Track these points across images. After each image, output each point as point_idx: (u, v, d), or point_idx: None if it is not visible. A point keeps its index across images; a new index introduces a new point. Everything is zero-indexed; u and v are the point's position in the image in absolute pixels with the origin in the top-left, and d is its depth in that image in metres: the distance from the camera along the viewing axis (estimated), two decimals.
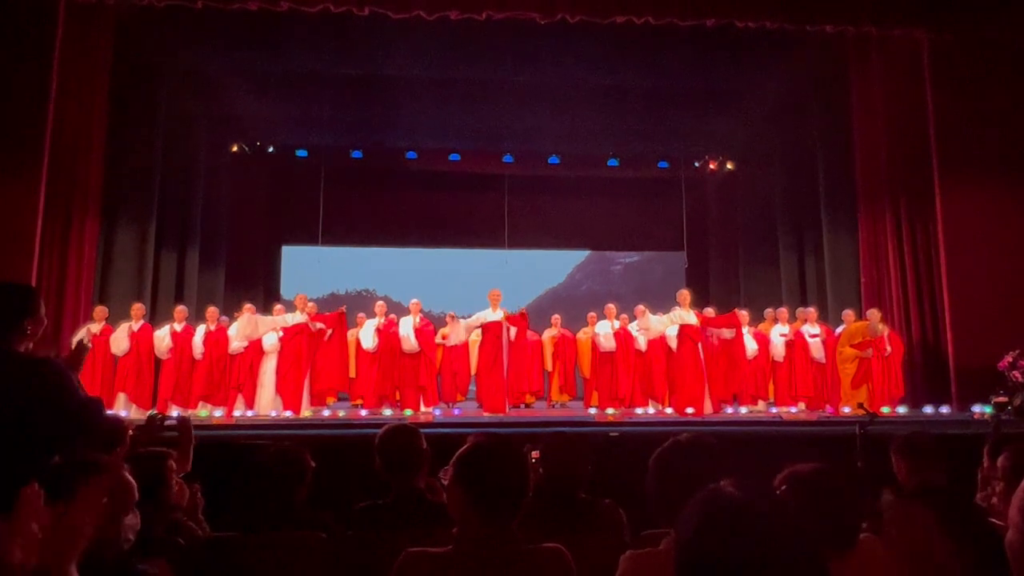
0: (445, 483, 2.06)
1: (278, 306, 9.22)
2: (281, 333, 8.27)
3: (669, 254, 14.26)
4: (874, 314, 8.51)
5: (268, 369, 8.21)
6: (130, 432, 3.10)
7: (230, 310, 9.31)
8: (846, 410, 8.08)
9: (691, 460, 1.80)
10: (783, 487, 1.84)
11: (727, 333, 8.72)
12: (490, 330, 8.57)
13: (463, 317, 9.24)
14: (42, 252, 7.66)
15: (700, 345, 8.31)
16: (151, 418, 3.09)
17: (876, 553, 1.84)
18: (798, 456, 2.08)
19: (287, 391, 8.04)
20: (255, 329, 8.23)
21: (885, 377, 8.29)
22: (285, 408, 7.96)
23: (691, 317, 8.32)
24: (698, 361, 8.25)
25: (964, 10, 8.32)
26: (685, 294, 8.56)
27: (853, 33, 8.74)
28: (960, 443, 4.47)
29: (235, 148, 12.30)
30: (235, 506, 2.79)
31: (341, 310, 8.73)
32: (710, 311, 8.92)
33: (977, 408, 7.47)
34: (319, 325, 8.45)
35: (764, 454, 1.87)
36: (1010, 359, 7.51)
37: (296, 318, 8.29)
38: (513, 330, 8.76)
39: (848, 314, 8.80)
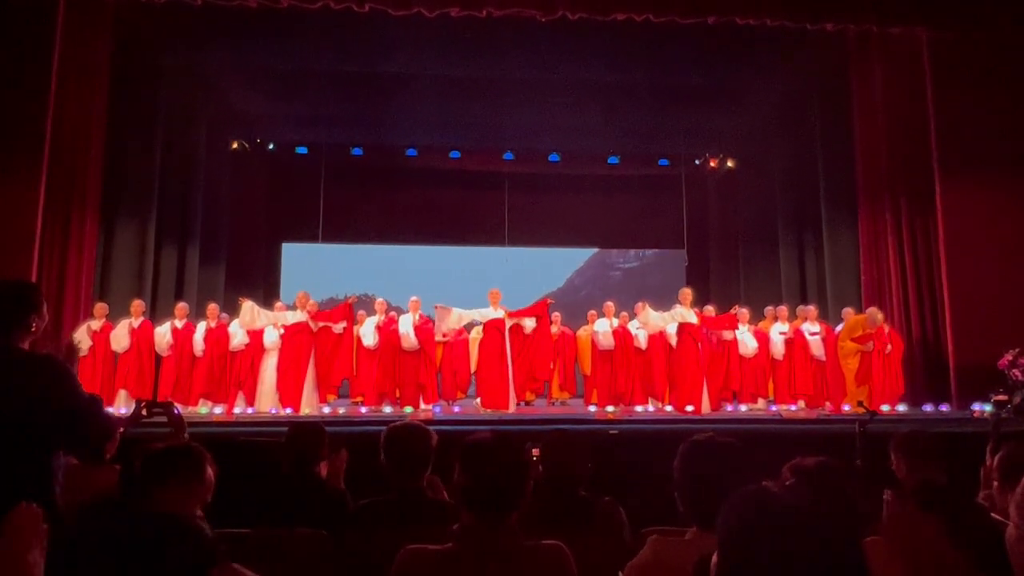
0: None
1: (279, 303, 9.20)
2: (282, 331, 8.28)
3: (668, 260, 14.25)
4: (873, 311, 8.52)
5: (269, 366, 8.22)
6: (120, 430, 3.06)
7: (230, 307, 9.31)
8: (846, 408, 8.08)
9: (719, 460, 1.82)
10: (789, 480, 1.85)
11: (727, 335, 8.73)
12: (491, 327, 8.57)
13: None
14: (42, 250, 7.64)
15: (699, 344, 8.32)
16: (138, 407, 3.02)
17: (877, 553, 1.84)
18: (798, 454, 2.09)
19: (287, 389, 8.04)
20: (254, 318, 8.21)
21: (885, 375, 8.29)
22: (285, 406, 7.96)
23: (691, 316, 8.32)
24: (698, 359, 8.25)
25: (965, 8, 8.30)
26: (687, 292, 8.55)
27: (854, 31, 8.75)
28: (960, 441, 4.47)
29: (235, 145, 12.29)
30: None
31: (349, 301, 8.72)
32: (710, 309, 8.92)
33: (977, 406, 7.46)
34: (320, 324, 8.43)
35: (764, 452, 1.87)
36: (1010, 357, 7.50)
37: (297, 316, 8.29)
38: (531, 322, 8.72)
39: (848, 312, 8.82)
